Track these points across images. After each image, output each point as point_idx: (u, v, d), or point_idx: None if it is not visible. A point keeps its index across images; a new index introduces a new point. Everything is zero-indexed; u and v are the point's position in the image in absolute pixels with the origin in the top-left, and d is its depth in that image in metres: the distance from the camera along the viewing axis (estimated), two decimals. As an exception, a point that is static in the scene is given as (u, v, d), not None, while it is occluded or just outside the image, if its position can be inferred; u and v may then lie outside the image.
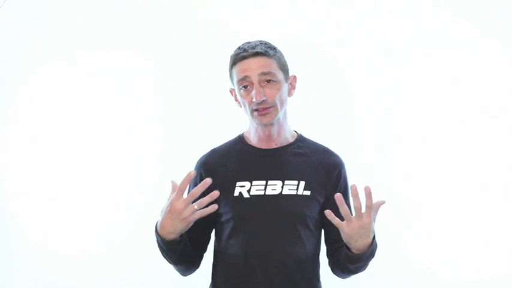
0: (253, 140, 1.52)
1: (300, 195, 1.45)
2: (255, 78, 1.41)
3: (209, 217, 1.38)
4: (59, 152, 2.68)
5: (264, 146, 1.51)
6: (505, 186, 2.40)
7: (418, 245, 2.44)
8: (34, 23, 2.70)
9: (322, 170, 1.50)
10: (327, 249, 1.56)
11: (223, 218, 1.48)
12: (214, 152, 1.56)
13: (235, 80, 1.46)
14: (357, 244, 1.34)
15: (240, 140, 1.55)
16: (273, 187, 1.45)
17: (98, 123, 2.66)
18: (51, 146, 2.68)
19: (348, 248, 1.38)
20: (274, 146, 1.50)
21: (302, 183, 1.46)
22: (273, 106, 1.42)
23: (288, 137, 1.53)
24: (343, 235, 1.35)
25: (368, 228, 1.32)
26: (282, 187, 1.45)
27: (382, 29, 2.47)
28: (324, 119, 2.45)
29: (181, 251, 1.40)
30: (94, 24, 2.65)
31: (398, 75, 2.46)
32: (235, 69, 1.45)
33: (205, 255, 1.57)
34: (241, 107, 1.50)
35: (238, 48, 1.47)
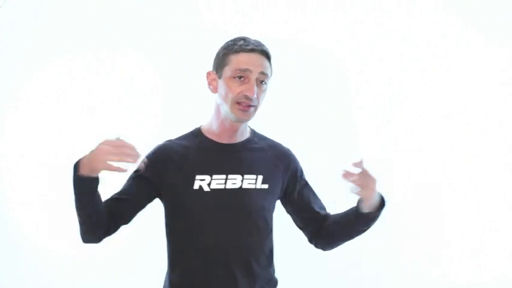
0: (214, 133, 1.52)
1: (258, 188, 1.49)
2: (254, 75, 1.42)
3: (142, 199, 1.49)
4: (59, 152, 2.67)
5: (224, 141, 1.51)
6: (505, 186, 2.40)
7: (418, 245, 2.44)
8: (34, 23, 2.69)
9: (279, 163, 1.55)
10: (308, 228, 1.60)
11: (181, 210, 1.47)
12: (171, 142, 1.54)
13: (231, 67, 1.43)
14: (374, 202, 1.44)
15: (198, 134, 1.55)
16: (233, 181, 1.47)
17: (98, 123, 2.66)
18: (51, 146, 2.68)
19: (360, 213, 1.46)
20: (234, 141, 1.52)
21: (260, 177, 1.50)
22: (255, 106, 1.44)
23: (246, 132, 1.56)
24: (363, 204, 1.44)
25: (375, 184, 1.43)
26: (242, 181, 1.47)
27: (382, 29, 2.47)
28: (324, 119, 2.45)
29: (94, 202, 1.41)
30: (94, 24, 2.65)
31: (398, 75, 2.46)
32: (236, 57, 1.43)
33: (158, 249, 1.58)
34: (216, 92, 1.48)
35: (244, 39, 1.46)
